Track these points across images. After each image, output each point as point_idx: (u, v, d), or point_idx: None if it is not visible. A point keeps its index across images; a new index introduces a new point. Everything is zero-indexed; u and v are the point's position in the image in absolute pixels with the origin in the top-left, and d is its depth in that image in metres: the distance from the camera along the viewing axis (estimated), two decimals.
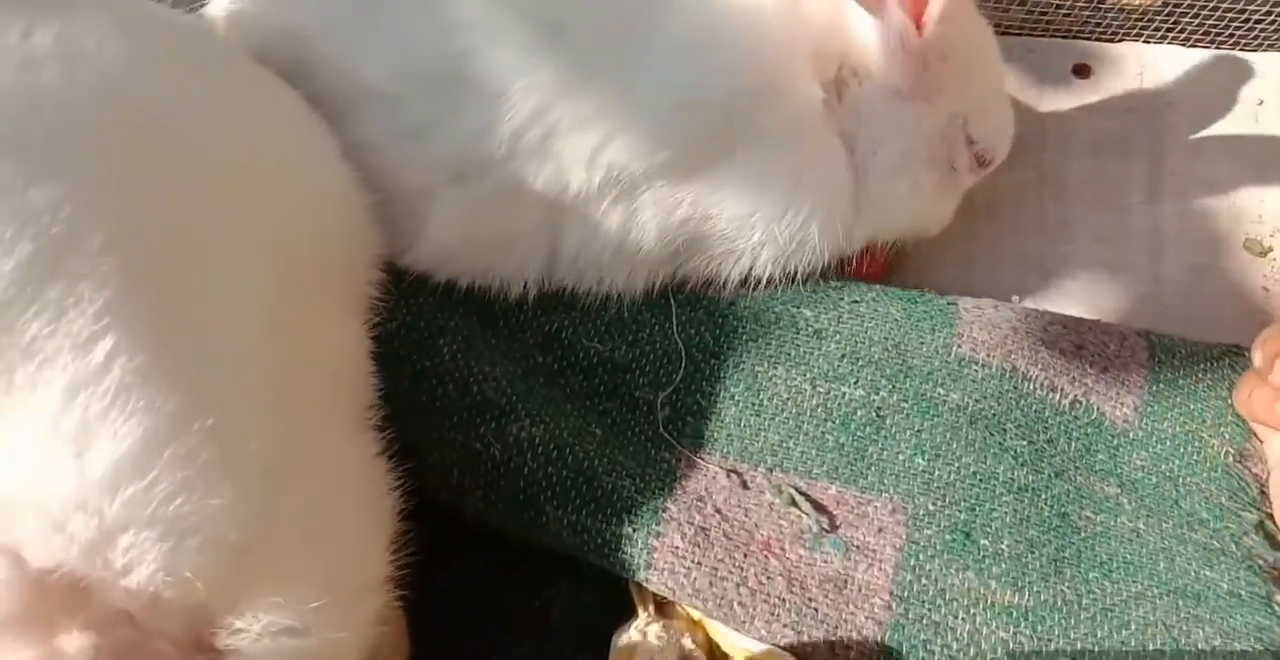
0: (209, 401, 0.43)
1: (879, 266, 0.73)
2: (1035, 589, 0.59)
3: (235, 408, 0.45)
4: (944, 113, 0.67)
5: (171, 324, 0.43)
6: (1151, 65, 0.86)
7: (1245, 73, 0.85)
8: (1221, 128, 0.84)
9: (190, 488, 0.41)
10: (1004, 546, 0.60)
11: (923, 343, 0.66)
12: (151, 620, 0.42)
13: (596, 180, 0.61)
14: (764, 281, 0.68)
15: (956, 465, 0.62)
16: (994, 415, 0.64)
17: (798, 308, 0.68)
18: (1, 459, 0.40)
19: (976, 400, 0.63)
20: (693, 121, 0.61)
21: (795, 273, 0.67)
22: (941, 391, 0.64)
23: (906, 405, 0.64)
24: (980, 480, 0.62)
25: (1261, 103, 0.84)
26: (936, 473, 0.62)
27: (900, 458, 0.63)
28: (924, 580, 0.59)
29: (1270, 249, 0.80)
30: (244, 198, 0.51)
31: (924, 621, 0.58)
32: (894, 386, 0.65)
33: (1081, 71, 0.85)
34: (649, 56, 0.60)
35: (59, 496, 0.40)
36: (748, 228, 0.64)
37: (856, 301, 0.68)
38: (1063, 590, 0.59)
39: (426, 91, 0.62)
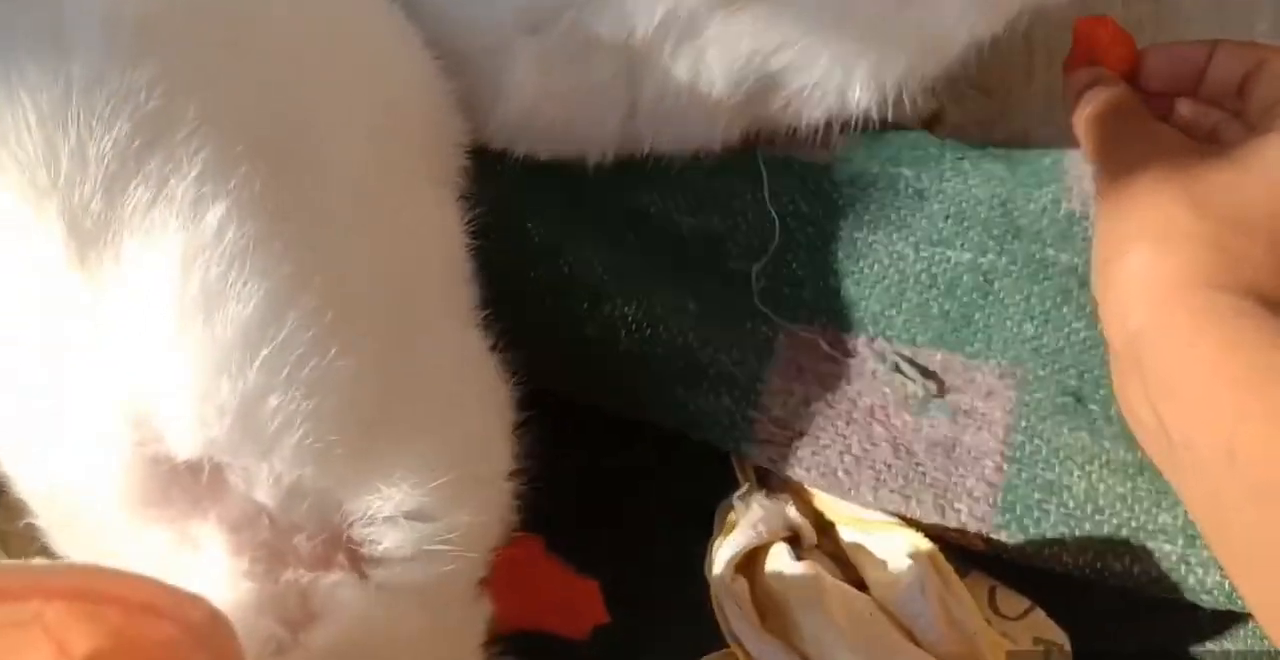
0: (326, 265, 0.45)
1: (1121, 46, 0.62)
2: None
3: (353, 274, 0.46)
4: None
5: (277, 190, 0.45)
6: None
7: None
8: None
9: (321, 348, 0.43)
10: (1114, 411, 0.57)
11: (1030, 200, 0.63)
12: (289, 513, 0.44)
13: (658, 18, 0.59)
14: (857, 123, 0.63)
15: (1066, 330, 0.60)
16: None
17: (897, 167, 0.65)
18: (117, 342, 0.42)
19: (1088, 261, 0.60)
20: None
21: (892, 106, 0.62)
22: (1051, 252, 0.61)
23: (1015, 268, 0.62)
24: (1090, 346, 0.59)
25: None
26: (1046, 339, 0.60)
27: (1008, 324, 0.61)
28: (1036, 440, 0.58)
29: None
30: (335, 81, 0.52)
31: (1038, 481, 0.57)
32: (1001, 248, 0.62)
33: None
34: None
35: (197, 365, 0.41)
36: (812, 59, 0.60)
37: (960, 158, 0.65)
38: None
39: None
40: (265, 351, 0.42)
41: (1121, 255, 0.53)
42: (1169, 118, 0.62)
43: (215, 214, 0.42)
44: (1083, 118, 0.60)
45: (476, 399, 0.52)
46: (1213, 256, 0.50)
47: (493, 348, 0.55)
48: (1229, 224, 0.51)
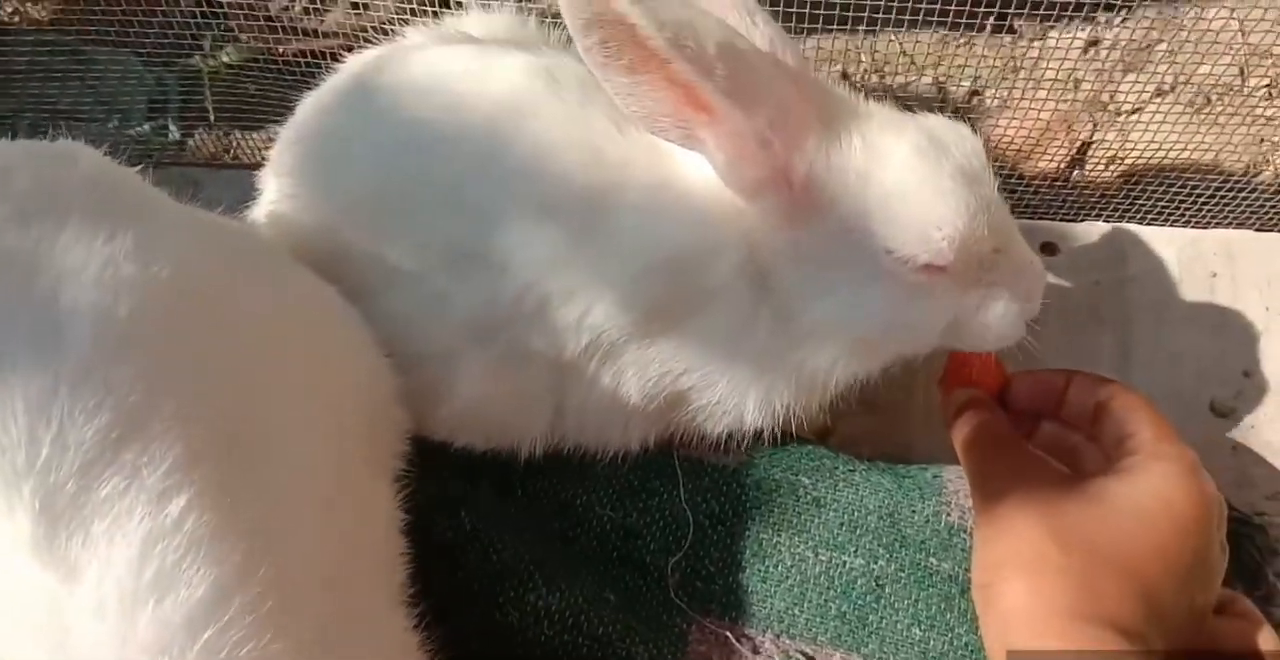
0: (272, 553, 0.47)
1: (991, 371, 0.71)
2: None
3: (295, 561, 0.49)
4: (829, 225, 0.61)
5: (236, 482, 0.48)
6: (1113, 242, 0.93)
7: (1198, 247, 0.92)
8: (1181, 298, 0.91)
9: (259, 633, 0.45)
10: None
11: (914, 512, 0.70)
12: None
13: (584, 343, 0.66)
14: (747, 437, 0.70)
15: (950, 636, 0.65)
16: None
17: (796, 476, 0.72)
18: (69, 612, 0.43)
19: (967, 570, 0.66)
20: (650, 284, 0.64)
21: (772, 426, 0.69)
22: (934, 561, 0.68)
23: (903, 575, 0.67)
24: (971, 651, 0.65)
25: (1215, 275, 0.91)
26: (932, 643, 0.65)
27: (899, 627, 0.66)
28: None
29: (1234, 410, 0.85)
30: (295, 379, 0.56)
31: None
32: (890, 556, 0.68)
33: (1049, 249, 0.92)
34: (614, 230, 0.64)
35: (140, 645, 0.43)
36: (712, 382, 0.68)
37: (851, 470, 0.72)
38: None
39: (443, 266, 0.67)
40: (208, 634, 0.44)
41: (1000, 581, 0.59)
42: (1034, 435, 0.71)
43: (178, 504, 0.45)
44: (959, 440, 0.68)
45: None
46: (1078, 592, 0.56)
47: (417, 626, 0.57)
48: (1090, 560, 0.57)
